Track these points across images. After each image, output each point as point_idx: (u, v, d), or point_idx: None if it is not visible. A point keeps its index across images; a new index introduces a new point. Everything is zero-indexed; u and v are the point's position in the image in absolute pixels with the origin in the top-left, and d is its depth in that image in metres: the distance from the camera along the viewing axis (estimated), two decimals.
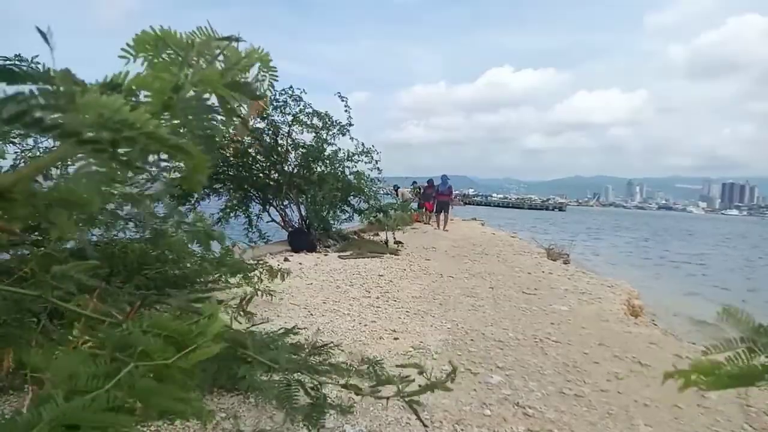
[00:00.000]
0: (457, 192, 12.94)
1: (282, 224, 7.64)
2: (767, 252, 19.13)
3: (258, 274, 3.15)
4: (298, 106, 6.95)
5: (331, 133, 7.31)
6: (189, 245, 2.20)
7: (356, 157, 7.62)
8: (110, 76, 0.45)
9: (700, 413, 2.05)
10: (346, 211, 7.95)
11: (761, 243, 25.47)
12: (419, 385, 1.13)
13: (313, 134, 7.20)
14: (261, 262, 3.35)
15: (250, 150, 7.09)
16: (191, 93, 0.49)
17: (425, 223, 13.43)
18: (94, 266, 0.85)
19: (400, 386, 1.11)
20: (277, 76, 0.62)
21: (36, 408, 0.48)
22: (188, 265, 2.01)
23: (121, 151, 0.39)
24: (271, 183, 7.41)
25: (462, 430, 1.79)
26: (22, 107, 0.33)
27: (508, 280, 5.20)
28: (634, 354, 2.82)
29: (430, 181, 14.09)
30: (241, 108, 0.57)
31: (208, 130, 0.52)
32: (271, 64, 0.61)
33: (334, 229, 7.91)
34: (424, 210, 13.95)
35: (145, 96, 0.47)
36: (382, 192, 9.00)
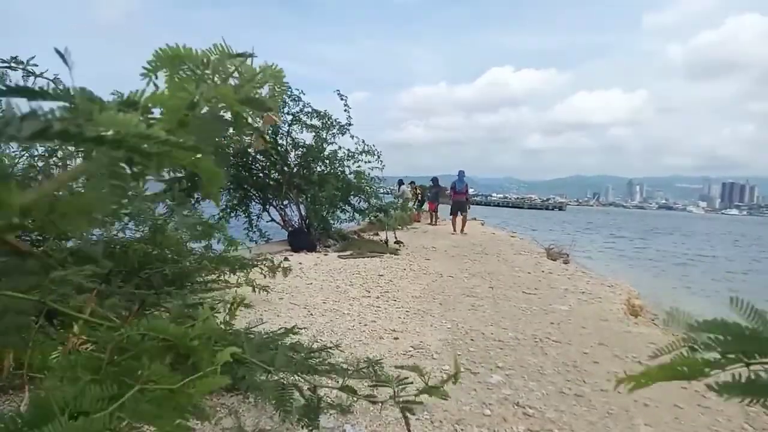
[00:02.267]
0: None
1: (282, 224, 7.64)
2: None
3: (259, 271, 3.16)
4: (298, 105, 6.96)
5: (331, 132, 7.31)
6: (188, 243, 2.20)
7: (357, 156, 7.61)
8: (128, 94, 0.46)
9: (700, 413, 2.05)
10: (347, 211, 7.94)
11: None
12: (417, 389, 1.11)
13: (313, 134, 7.21)
14: (261, 258, 3.35)
15: (250, 150, 7.09)
16: (205, 109, 0.49)
17: (429, 224, 13.16)
18: (94, 273, 0.86)
19: (396, 389, 1.10)
20: (288, 91, 0.63)
21: (39, 424, 0.48)
22: (187, 263, 2.01)
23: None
24: (271, 183, 7.41)
25: (462, 429, 1.78)
26: (43, 124, 0.34)
27: (508, 279, 5.19)
28: (635, 354, 2.82)
29: (434, 180, 13.42)
30: (256, 122, 0.58)
31: (222, 145, 0.52)
32: (284, 80, 0.62)
33: (334, 229, 7.91)
34: (427, 210, 13.67)
35: (161, 113, 0.47)
36: (382, 191, 8.98)
